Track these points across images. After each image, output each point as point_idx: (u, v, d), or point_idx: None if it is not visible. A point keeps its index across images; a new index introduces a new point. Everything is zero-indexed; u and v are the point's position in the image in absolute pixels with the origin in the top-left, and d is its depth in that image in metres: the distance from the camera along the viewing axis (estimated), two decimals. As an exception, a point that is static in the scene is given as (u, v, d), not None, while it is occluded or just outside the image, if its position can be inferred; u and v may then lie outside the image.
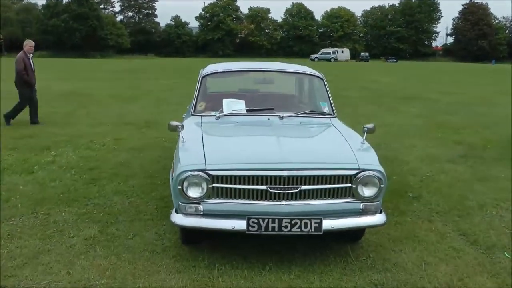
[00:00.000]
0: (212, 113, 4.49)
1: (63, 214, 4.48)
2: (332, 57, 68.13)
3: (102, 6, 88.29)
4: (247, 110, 4.48)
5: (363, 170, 3.43)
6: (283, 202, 3.35)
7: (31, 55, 9.33)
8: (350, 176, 3.43)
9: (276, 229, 3.32)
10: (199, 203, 3.37)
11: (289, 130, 4.22)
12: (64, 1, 75.79)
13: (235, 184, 3.34)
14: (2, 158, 6.42)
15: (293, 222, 3.32)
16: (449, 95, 17.55)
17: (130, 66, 39.68)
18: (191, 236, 3.78)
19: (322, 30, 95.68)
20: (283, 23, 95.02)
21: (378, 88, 20.49)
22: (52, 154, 6.77)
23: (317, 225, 3.35)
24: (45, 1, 76.83)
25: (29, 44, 9.29)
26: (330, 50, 72.38)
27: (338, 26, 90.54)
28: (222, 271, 3.45)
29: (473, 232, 4.30)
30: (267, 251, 3.73)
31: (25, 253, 3.65)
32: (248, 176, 3.33)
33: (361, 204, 3.48)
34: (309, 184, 3.37)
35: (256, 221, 3.31)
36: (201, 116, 4.52)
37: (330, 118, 4.57)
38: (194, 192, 3.35)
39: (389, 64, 62.24)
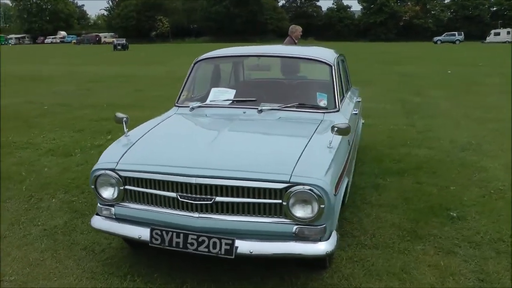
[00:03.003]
0: (191, 104, 4.06)
1: (53, 200, 4.52)
2: (458, 39, 64.18)
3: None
4: (226, 101, 3.93)
5: (295, 184, 2.67)
6: (196, 215, 2.81)
7: (297, 41, 8.46)
8: (280, 190, 2.70)
9: (181, 245, 2.80)
10: (113, 206, 3.04)
11: (252, 126, 3.57)
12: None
13: (145, 188, 2.92)
14: (60, 139, 6.88)
15: (200, 239, 2.76)
16: None
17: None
18: (128, 239, 3.45)
19: (494, 8, 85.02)
20: (451, 3, 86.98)
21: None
22: (108, 138, 7.01)
23: (228, 247, 2.72)
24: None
25: (298, 30, 8.26)
26: (456, 32, 67.84)
27: (515, 2, 79.36)
28: (132, 283, 3.06)
29: (499, 278, 3.12)
30: (201, 267, 3.20)
31: (-19, 237, 3.73)
32: (159, 181, 2.87)
33: (295, 227, 2.73)
34: (226, 196, 2.76)
35: (159, 233, 2.83)
36: (179, 107, 4.11)
37: (324, 113, 3.74)
38: (106, 193, 3.04)
39: None
